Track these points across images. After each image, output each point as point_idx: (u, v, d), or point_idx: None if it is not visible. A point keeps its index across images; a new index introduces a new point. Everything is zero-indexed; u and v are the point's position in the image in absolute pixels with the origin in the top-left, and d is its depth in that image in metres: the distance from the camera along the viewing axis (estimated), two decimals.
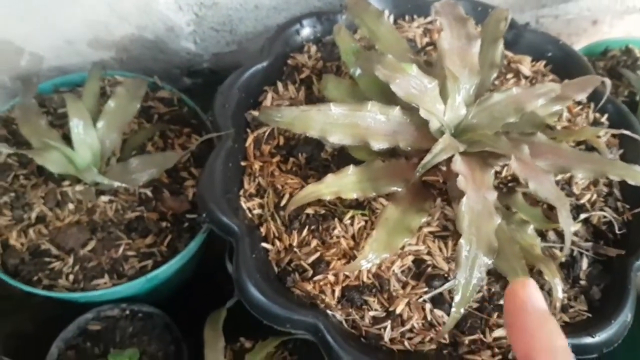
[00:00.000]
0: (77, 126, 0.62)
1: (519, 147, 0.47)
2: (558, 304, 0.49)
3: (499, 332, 0.50)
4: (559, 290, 0.47)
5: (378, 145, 0.50)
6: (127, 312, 0.66)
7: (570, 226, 0.46)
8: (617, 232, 0.56)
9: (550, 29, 0.90)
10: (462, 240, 0.43)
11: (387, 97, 0.51)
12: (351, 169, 0.51)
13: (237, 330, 0.64)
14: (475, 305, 0.51)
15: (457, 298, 0.43)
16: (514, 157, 0.45)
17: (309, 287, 0.51)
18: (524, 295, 0.32)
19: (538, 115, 0.53)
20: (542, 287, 0.52)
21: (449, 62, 0.51)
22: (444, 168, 0.53)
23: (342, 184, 0.50)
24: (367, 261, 0.48)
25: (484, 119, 0.51)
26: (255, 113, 0.60)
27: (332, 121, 0.49)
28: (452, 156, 0.48)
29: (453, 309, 0.44)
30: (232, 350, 0.64)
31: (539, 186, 0.45)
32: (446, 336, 0.49)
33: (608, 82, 0.57)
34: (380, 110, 0.50)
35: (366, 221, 0.54)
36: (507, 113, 0.50)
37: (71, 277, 0.61)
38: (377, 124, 0.50)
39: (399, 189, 0.52)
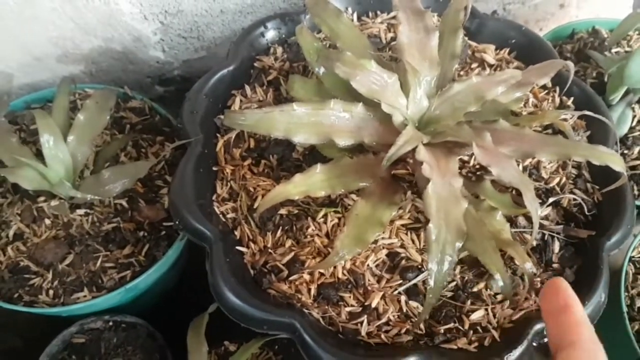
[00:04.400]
0: (48, 142, 0.62)
1: (481, 135, 0.47)
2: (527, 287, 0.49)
3: (474, 317, 0.50)
4: (529, 273, 0.47)
5: (343, 142, 0.50)
6: (111, 323, 0.66)
7: (536, 208, 0.46)
8: (588, 213, 0.57)
9: (518, 16, 0.91)
10: (430, 225, 0.43)
11: (352, 93, 0.52)
12: (319, 167, 0.51)
13: (221, 334, 0.65)
14: (449, 294, 0.51)
15: (431, 283, 0.43)
16: (475, 144, 0.45)
17: (284, 287, 0.52)
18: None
19: (501, 103, 0.53)
20: (514, 272, 0.53)
21: (409, 55, 0.52)
22: (411, 160, 0.54)
23: (310, 182, 0.50)
24: (339, 257, 0.48)
25: (446, 110, 0.51)
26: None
27: (296, 121, 0.50)
28: (417, 155, 0.48)
29: (429, 295, 0.44)
30: (217, 354, 0.64)
31: (502, 171, 0.46)
32: (422, 326, 0.50)
33: (571, 65, 0.58)
34: (343, 108, 0.50)
35: (339, 218, 0.54)
36: (468, 102, 0.50)
37: (51, 292, 0.61)
38: (340, 121, 0.50)
39: (368, 184, 0.52)
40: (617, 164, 0.51)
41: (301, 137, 0.50)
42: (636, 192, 0.72)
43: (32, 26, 0.68)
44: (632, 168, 0.73)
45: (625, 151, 0.74)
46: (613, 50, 0.81)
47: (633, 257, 0.68)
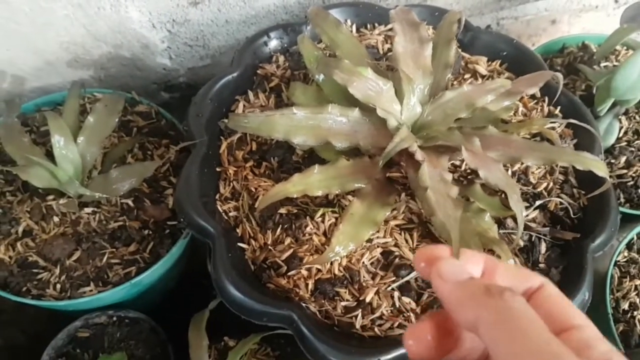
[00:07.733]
0: (59, 142, 0.65)
1: (470, 140, 0.50)
2: None
3: None
4: None
5: (339, 144, 0.53)
6: (114, 318, 0.68)
7: (521, 209, 0.49)
8: (573, 216, 0.60)
9: (511, 31, 0.94)
10: (429, 192, 0.47)
11: (349, 100, 0.55)
12: (317, 168, 0.54)
13: (221, 331, 0.67)
14: None
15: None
16: (464, 148, 0.48)
17: (283, 282, 0.54)
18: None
19: (490, 110, 0.56)
20: None
21: (404, 64, 0.55)
22: (404, 164, 0.57)
23: (308, 182, 0.53)
24: (335, 253, 0.51)
25: (438, 116, 0.54)
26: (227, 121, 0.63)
27: (296, 124, 0.53)
28: (411, 148, 0.51)
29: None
30: (217, 349, 0.66)
31: (489, 174, 0.49)
32: (413, 319, 0.52)
33: (560, 76, 0.60)
34: (340, 112, 0.53)
35: (336, 218, 0.57)
36: (459, 109, 0.53)
37: (58, 286, 0.63)
38: (337, 125, 0.53)
39: (364, 185, 0.55)
40: (601, 170, 0.54)
41: (300, 139, 0.53)
42: (622, 200, 0.75)
43: (45, 32, 0.71)
44: (619, 177, 0.76)
45: (612, 160, 0.77)
46: (601, 64, 0.84)
47: (618, 261, 0.71)
